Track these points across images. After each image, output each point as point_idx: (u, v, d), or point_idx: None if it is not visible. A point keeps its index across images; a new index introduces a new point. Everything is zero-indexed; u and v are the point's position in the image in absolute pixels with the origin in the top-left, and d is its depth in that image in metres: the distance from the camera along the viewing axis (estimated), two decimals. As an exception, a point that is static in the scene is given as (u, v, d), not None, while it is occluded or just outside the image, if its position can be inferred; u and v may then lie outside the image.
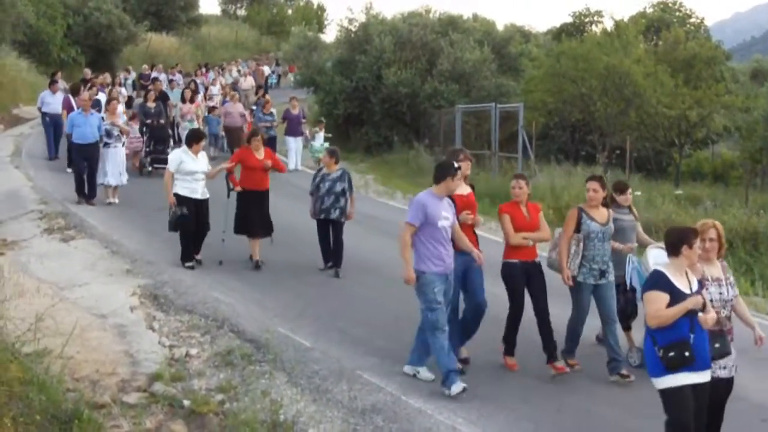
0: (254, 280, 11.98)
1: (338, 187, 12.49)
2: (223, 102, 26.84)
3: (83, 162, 16.63)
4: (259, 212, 12.66)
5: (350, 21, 34.26)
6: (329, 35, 60.18)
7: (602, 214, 9.17)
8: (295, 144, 23.22)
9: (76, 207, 16.04)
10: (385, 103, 30.87)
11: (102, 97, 22.09)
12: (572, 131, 32.94)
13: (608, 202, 9.49)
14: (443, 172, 8.49)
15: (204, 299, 10.81)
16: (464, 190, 9.42)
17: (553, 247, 9.48)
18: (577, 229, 9.03)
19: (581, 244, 8.98)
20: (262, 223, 12.71)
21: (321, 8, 73.31)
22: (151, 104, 20.79)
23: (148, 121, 20.32)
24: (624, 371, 8.91)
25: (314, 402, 7.97)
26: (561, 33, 40.97)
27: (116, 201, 16.69)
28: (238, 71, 41.78)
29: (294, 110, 23.31)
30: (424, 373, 8.63)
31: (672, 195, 21.49)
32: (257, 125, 21.80)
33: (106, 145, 16.81)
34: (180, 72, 35.42)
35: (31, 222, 14.98)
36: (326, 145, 22.82)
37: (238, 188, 12.55)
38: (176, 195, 12.21)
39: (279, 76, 50.49)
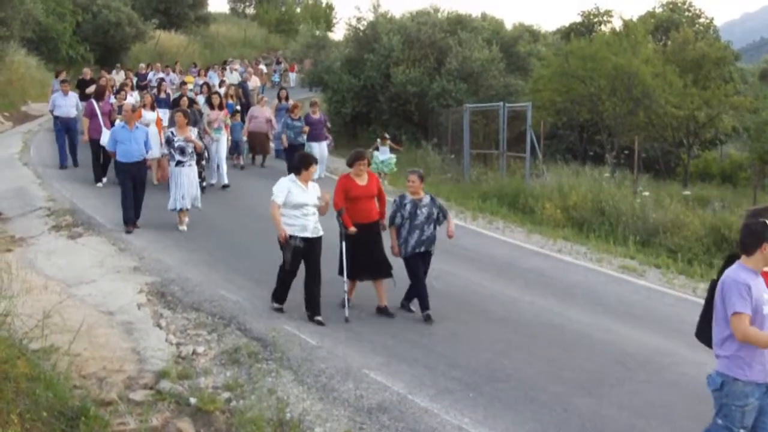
0: (261, 278, 11.95)
1: (435, 214, 10.79)
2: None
3: (129, 183, 14.46)
4: (372, 249, 10.71)
5: (358, 19, 34.42)
6: (337, 34, 60.18)
7: None
8: (319, 150, 21.49)
9: (83, 203, 16.05)
10: (393, 101, 30.92)
11: (131, 99, 20.29)
12: (580, 131, 32.93)
13: None
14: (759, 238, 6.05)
15: (211, 297, 10.82)
16: None
17: None
18: None
19: None
20: (377, 262, 10.75)
21: (329, 7, 73.33)
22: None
23: None
24: None
25: (320, 400, 7.97)
26: (570, 32, 40.85)
27: (185, 228, 14.69)
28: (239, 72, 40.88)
29: (315, 114, 21.90)
30: None
31: (680, 195, 21.43)
32: (283, 131, 21.13)
33: (179, 164, 14.51)
34: (174, 71, 33.95)
35: (39, 219, 15.02)
36: (393, 157, 22.33)
37: (353, 229, 10.48)
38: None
39: (281, 75, 50.32)
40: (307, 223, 10.19)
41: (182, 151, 14.49)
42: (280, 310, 10.43)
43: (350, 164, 10.82)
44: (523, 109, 24.63)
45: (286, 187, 10.21)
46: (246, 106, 25.92)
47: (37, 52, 36.14)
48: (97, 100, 19.31)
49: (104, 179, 18.37)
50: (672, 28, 38.55)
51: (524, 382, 8.69)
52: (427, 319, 10.42)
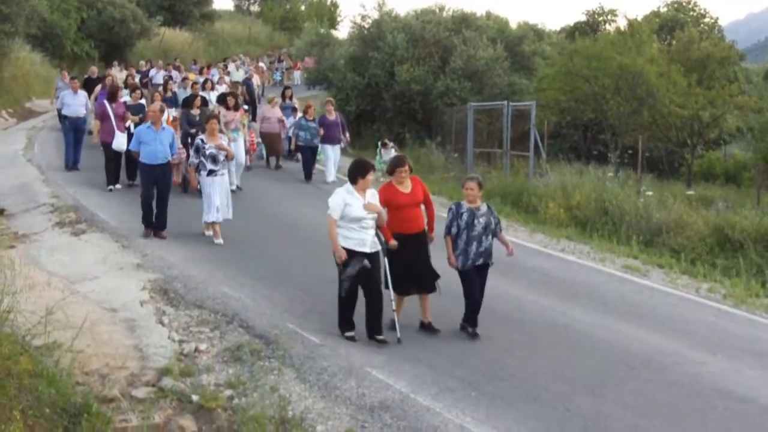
0: (264, 275, 11.97)
1: (492, 224, 10.08)
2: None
3: (152, 186, 13.84)
4: (418, 260, 9.94)
5: (363, 17, 34.41)
6: (342, 32, 60.20)
7: None
8: (332, 153, 21.03)
9: (87, 200, 16.05)
10: (397, 100, 30.93)
11: (127, 98, 19.35)
12: (584, 130, 32.94)
13: None
14: None
15: (214, 294, 10.82)
16: None
17: None
18: None
19: None
20: (424, 275, 9.97)
21: (334, 4, 73.34)
22: (195, 111, 18.13)
23: (193, 131, 17.21)
24: None
25: (323, 398, 7.97)
26: (574, 31, 40.94)
27: (221, 241, 13.77)
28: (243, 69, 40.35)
29: (330, 116, 21.10)
30: None
31: (684, 195, 21.40)
32: (295, 133, 20.81)
33: (211, 173, 13.71)
34: (177, 68, 33.76)
35: (43, 215, 15.04)
36: None
37: (393, 243, 9.70)
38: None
39: (283, 73, 50.09)
40: (366, 237, 9.41)
41: (213, 159, 13.72)
42: (352, 339, 9.53)
43: (391, 172, 10.20)
44: (527, 108, 24.61)
45: (343, 200, 9.38)
46: (251, 104, 25.82)
47: (42, 48, 36.23)
48: (110, 101, 18.22)
49: (118, 185, 17.59)
50: (677, 27, 38.57)
51: (527, 381, 8.69)
52: (474, 336, 9.80)
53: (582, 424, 7.74)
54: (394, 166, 10.15)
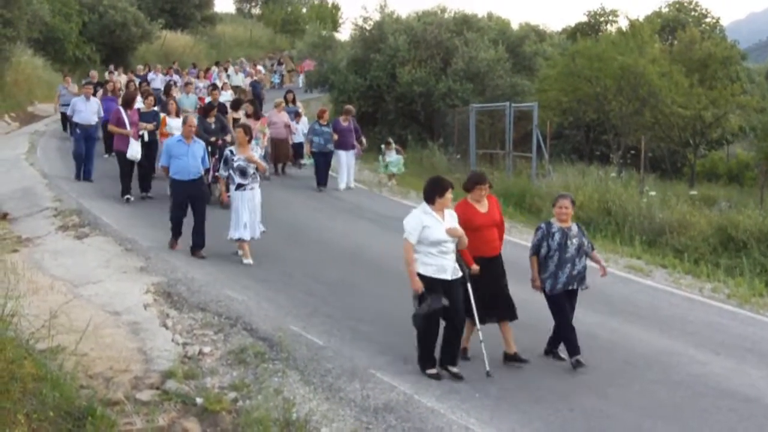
0: (267, 278, 11.98)
1: (585, 245, 9.44)
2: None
3: (184, 204, 13.06)
4: (498, 286, 9.25)
5: (365, 19, 34.43)
6: (344, 34, 60.22)
7: None
8: (346, 159, 20.55)
9: (89, 203, 16.05)
10: (399, 101, 30.96)
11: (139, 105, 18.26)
12: (587, 131, 32.95)
13: None
14: None
15: (217, 297, 10.82)
16: None
17: None
18: None
19: None
20: (503, 300, 9.26)
21: (335, 7, 73.36)
22: (211, 119, 17.24)
23: (212, 140, 16.50)
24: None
25: (327, 400, 7.97)
26: (576, 32, 41.01)
27: (251, 261, 12.89)
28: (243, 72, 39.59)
29: (345, 122, 20.59)
30: None
31: (686, 195, 21.41)
32: (309, 138, 20.12)
33: (240, 187, 12.80)
34: (177, 71, 33.57)
35: (46, 219, 15.04)
36: (401, 159, 22.11)
37: (476, 268, 8.95)
38: (419, 277, 8.53)
39: (282, 76, 49.84)
40: (447, 263, 8.52)
41: (242, 172, 12.76)
42: (436, 377, 8.62)
43: (469, 188, 9.23)
44: (530, 109, 24.65)
45: (420, 221, 8.49)
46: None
47: (44, 52, 36.25)
48: (125, 108, 17.36)
49: (131, 197, 16.75)
50: (678, 27, 38.62)
51: (530, 382, 8.69)
52: (577, 365, 9.02)
53: (586, 424, 7.74)
54: (473, 183, 9.23)
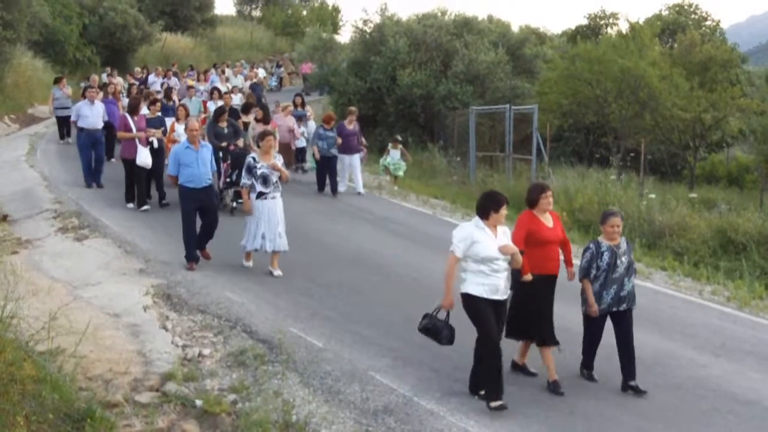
0: (267, 280, 11.97)
1: (634, 263, 9.10)
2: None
3: (195, 213, 12.46)
4: (546, 306, 8.82)
5: (365, 22, 34.48)
6: (344, 36, 60.27)
7: None
8: (350, 163, 20.09)
9: (89, 206, 16.02)
10: (399, 104, 30.98)
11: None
12: (587, 133, 32.98)
13: None
14: None
15: (217, 299, 10.82)
16: None
17: None
18: None
19: None
20: (546, 323, 8.79)
21: (336, 9, 73.30)
22: (222, 124, 16.58)
23: (223, 145, 16.13)
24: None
25: (326, 403, 7.97)
26: (576, 35, 41.00)
27: (280, 272, 12.35)
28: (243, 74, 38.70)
29: (350, 125, 20.05)
30: None
31: (686, 198, 21.40)
32: (314, 143, 19.71)
33: (261, 195, 12.18)
34: (176, 74, 33.26)
35: (45, 221, 15.04)
36: (403, 163, 22.15)
37: (528, 277, 8.54)
38: (466, 296, 8.09)
39: (280, 79, 49.64)
40: (499, 283, 8.03)
41: (264, 180, 12.15)
42: (502, 408, 7.91)
43: (535, 199, 8.81)
44: (530, 111, 24.65)
45: (470, 235, 8.00)
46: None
47: (44, 54, 36.26)
48: (131, 114, 16.84)
49: (134, 205, 16.30)
50: (678, 30, 38.56)
51: (530, 385, 8.69)
52: (640, 392, 8.62)
53: (585, 427, 7.74)
54: (538, 192, 8.82)
